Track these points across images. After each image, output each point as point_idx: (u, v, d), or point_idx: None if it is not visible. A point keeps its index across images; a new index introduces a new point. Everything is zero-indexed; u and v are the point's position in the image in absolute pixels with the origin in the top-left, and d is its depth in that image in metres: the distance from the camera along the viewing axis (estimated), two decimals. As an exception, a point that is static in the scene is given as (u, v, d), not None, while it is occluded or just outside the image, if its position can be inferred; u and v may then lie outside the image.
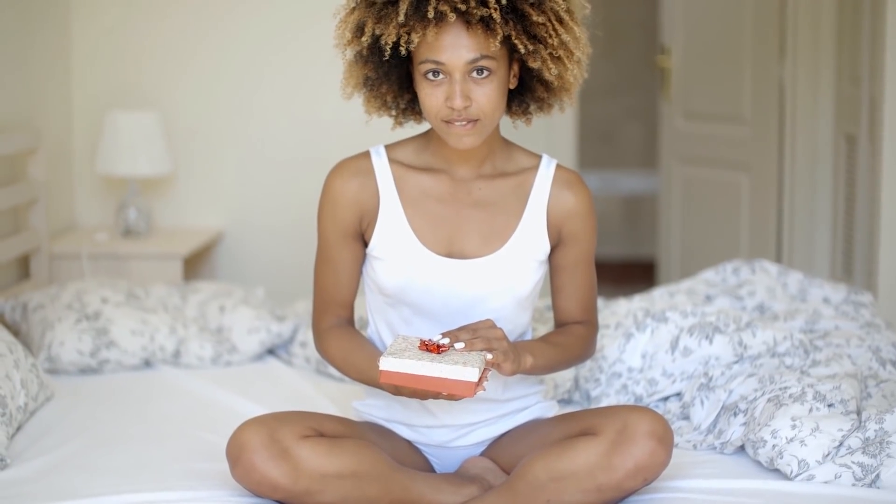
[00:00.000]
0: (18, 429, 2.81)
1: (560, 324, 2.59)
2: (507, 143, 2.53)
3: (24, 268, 4.02)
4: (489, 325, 2.32)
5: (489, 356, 2.26)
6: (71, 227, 4.40)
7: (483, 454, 2.57)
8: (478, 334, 2.29)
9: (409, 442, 2.57)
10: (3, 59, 3.86)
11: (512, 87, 2.42)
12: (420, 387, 2.23)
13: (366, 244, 2.50)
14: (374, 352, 2.47)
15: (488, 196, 2.48)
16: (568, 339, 2.53)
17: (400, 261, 2.45)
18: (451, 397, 2.24)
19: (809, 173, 4.71)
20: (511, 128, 2.59)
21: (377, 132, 2.72)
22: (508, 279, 2.46)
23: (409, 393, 2.28)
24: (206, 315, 3.57)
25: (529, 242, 2.48)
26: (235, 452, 2.34)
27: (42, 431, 2.82)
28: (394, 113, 2.53)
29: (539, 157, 2.53)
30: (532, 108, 2.51)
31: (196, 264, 4.48)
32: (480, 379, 2.24)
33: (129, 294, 3.54)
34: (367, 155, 2.51)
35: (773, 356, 2.95)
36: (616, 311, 3.28)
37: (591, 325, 2.58)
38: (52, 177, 4.15)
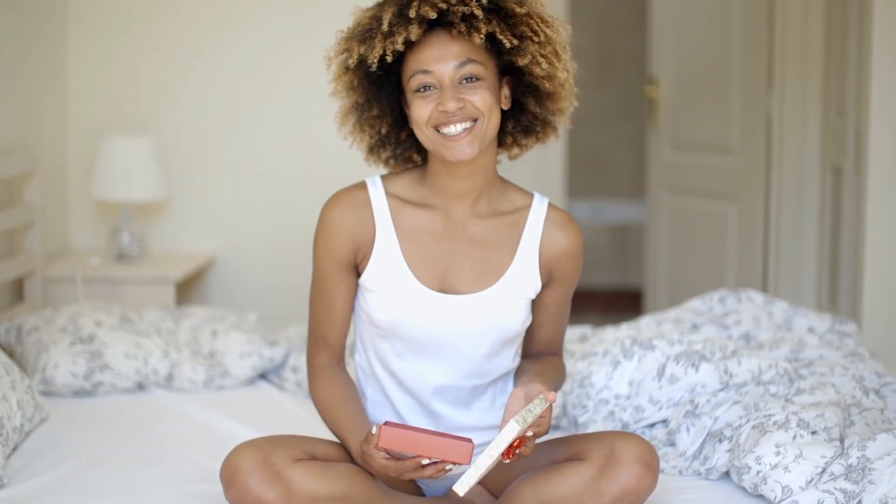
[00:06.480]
0: (14, 449, 2.85)
1: (532, 354, 2.63)
2: (503, 181, 2.55)
3: (18, 291, 4.05)
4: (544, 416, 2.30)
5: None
6: (65, 251, 4.43)
7: (473, 480, 2.60)
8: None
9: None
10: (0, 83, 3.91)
11: (505, 108, 2.45)
12: (417, 451, 2.23)
13: (359, 275, 2.53)
14: (357, 410, 2.48)
15: (482, 234, 2.51)
16: (556, 373, 2.58)
17: (394, 295, 2.47)
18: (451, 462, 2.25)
19: (796, 204, 4.76)
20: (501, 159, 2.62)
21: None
22: (500, 316, 2.49)
23: (396, 470, 2.28)
24: (198, 339, 3.60)
25: (521, 280, 2.51)
26: (229, 475, 2.37)
27: (38, 452, 2.85)
28: (390, 152, 2.58)
29: (531, 196, 2.56)
30: (524, 138, 2.56)
31: (189, 289, 4.52)
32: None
33: (122, 318, 3.57)
34: (363, 187, 2.52)
35: (759, 384, 2.99)
36: (604, 339, 3.32)
37: (561, 355, 2.65)
38: (47, 201, 4.18)
